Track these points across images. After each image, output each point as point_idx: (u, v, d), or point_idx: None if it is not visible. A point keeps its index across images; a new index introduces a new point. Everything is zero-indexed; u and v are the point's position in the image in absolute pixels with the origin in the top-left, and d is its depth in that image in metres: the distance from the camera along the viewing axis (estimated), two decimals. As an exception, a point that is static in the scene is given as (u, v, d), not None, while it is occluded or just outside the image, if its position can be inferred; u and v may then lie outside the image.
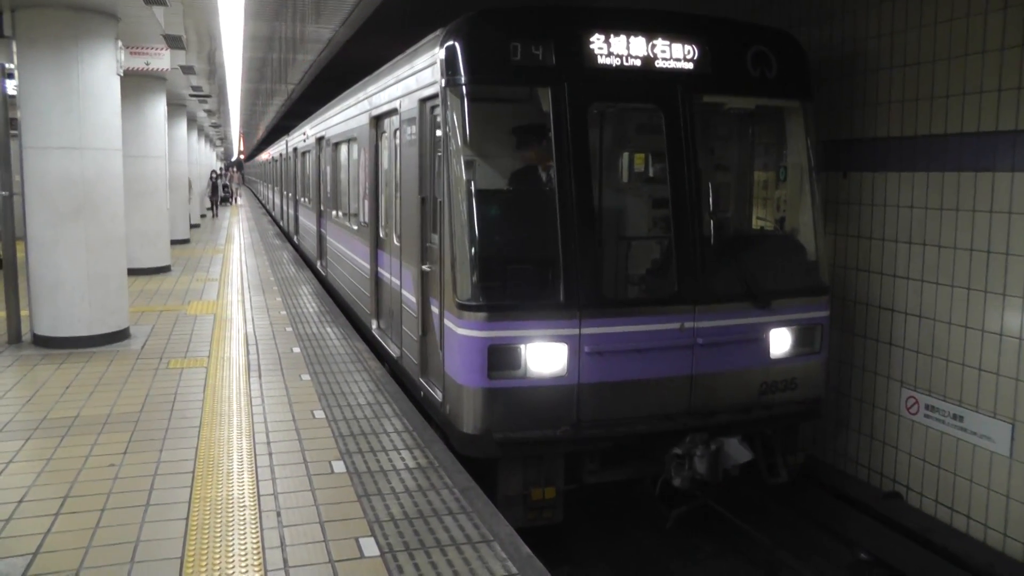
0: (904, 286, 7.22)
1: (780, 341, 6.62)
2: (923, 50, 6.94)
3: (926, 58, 6.91)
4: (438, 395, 6.61)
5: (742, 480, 6.84)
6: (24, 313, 9.84)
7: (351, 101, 11.50)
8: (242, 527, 4.76)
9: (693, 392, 6.31)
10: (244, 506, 5.05)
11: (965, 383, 6.64)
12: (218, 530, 4.72)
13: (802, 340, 6.74)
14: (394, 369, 8.57)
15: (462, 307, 5.96)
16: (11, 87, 9.78)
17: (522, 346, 5.92)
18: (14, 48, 9.28)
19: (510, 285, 6.04)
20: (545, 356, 5.95)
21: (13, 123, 9.97)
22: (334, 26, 10.96)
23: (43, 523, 4.82)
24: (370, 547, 4.53)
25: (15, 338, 9.56)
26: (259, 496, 5.20)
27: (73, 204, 9.31)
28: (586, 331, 5.99)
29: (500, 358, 5.90)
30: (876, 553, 6.82)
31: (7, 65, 9.50)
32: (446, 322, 6.29)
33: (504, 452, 5.95)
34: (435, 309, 6.74)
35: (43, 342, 9.41)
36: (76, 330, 9.41)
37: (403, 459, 5.95)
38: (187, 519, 4.86)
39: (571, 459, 6.27)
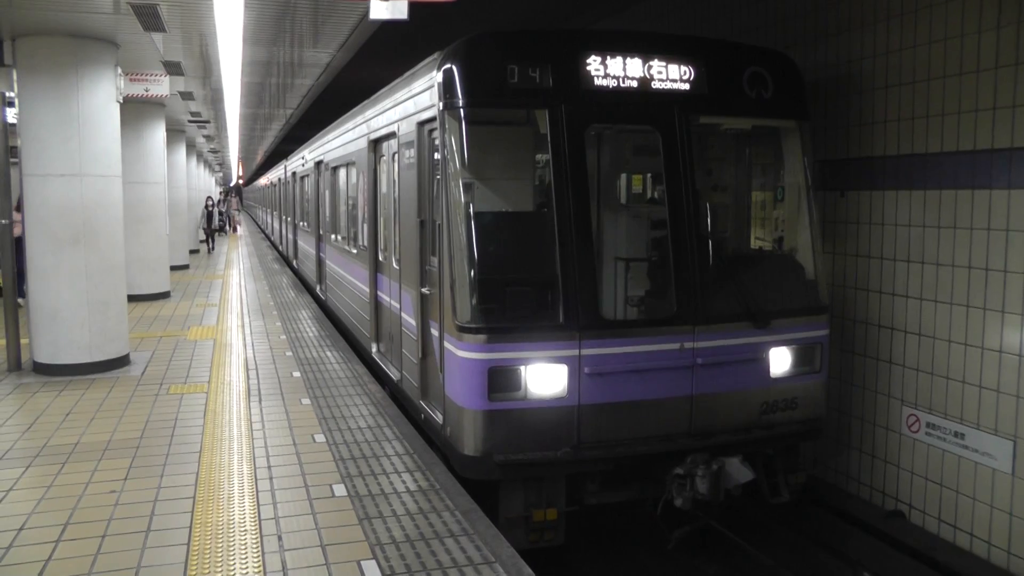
0: (903, 304, 7.24)
1: (780, 361, 6.62)
2: (918, 70, 7.00)
3: (921, 77, 6.97)
4: (439, 417, 6.61)
5: (744, 500, 6.82)
6: (24, 341, 9.84)
7: (349, 125, 11.56)
8: (243, 552, 4.74)
9: (694, 412, 6.30)
10: (245, 530, 5.03)
11: (966, 401, 6.64)
12: (219, 555, 4.70)
13: (802, 359, 6.74)
14: (394, 392, 8.55)
15: (462, 329, 5.97)
16: (11, 115, 9.83)
17: (522, 368, 5.92)
18: (14, 76, 9.35)
19: (510, 307, 6.04)
20: (545, 377, 5.95)
21: (13, 151, 10.01)
22: (332, 51, 11.02)
23: (44, 550, 4.80)
24: (372, 570, 4.52)
25: (15, 366, 9.55)
26: (260, 520, 5.19)
27: (73, 231, 9.33)
28: (586, 352, 5.99)
29: (500, 380, 5.90)
30: (879, 573, 6.79)
31: (7, 93, 9.56)
32: (446, 344, 6.29)
33: (505, 474, 5.94)
34: (435, 332, 6.74)
35: (43, 369, 9.40)
36: (76, 357, 9.39)
37: (404, 482, 5.94)
38: (188, 544, 4.85)
39: (572, 480, 6.25)
